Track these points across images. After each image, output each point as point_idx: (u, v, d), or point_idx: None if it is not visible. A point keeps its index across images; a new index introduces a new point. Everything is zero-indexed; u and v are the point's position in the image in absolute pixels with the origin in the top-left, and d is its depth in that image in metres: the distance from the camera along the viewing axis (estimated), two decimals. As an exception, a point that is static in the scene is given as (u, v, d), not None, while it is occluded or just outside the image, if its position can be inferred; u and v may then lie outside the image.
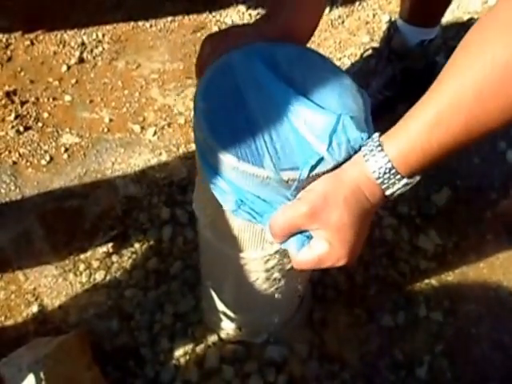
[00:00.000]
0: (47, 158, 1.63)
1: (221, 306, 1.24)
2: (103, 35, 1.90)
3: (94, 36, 1.89)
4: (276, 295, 1.09)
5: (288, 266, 0.98)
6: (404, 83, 1.65)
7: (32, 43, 1.87)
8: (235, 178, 0.76)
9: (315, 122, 0.76)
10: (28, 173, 1.60)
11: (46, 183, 1.58)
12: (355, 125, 0.75)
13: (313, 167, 0.73)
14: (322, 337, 1.38)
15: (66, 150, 1.65)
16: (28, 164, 1.61)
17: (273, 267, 0.97)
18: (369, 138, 0.73)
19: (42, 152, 1.64)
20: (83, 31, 1.90)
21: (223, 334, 1.36)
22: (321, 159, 0.73)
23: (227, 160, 0.74)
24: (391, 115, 1.65)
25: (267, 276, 1.00)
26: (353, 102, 0.80)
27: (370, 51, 1.71)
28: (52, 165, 1.62)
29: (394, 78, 1.64)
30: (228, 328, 1.32)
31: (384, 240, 1.52)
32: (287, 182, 0.73)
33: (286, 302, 1.22)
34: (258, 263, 0.95)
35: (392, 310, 1.43)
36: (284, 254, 0.93)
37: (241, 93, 0.79)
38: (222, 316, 1.27)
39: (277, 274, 1.00)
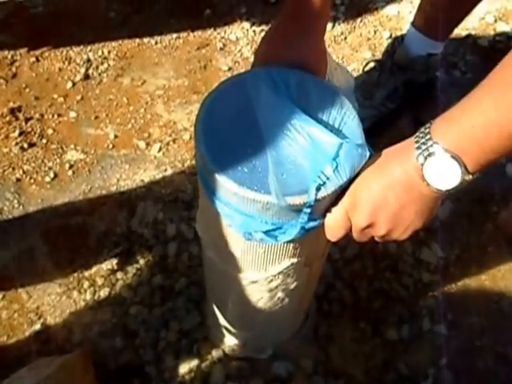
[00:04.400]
0: (51, 174, 1.60)
1: (225, 323, 1.21)
2: (109, 52, 1.88)
3: (100, 53, 1.87)
4: (280, 313, 1.06)
5: (292, 286, 0.95)
6: (406, 96, 1.62)
7: (37, 60, 1.84)
8: (237, 203, 0.72)
9: (321, 144, 0.72)
10: (32, 190, 1.57)
11: (50, 200, 1.56)
12: (359, 147, 0.72)
13: (319, 188, 0.70)
14: (328, 352, 1.35)
15: (71, 166, 1.62)
16: (32, 181, 1.59)
17: (276, 287, 0.94)
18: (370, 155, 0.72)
19: (47, 169, 1.61)
20: (89, 48, 1.88)
21: (228, 351, 1.33)
22: (327, 180, 0.70)
23: (227, 185, 0.71)
24: (394, 127, 1.67)
25: (271, 296, 0.97)
26: (355, 126, 0.77)
27: (372, 64, 1.68)
28: (56, 181, 1.59)
29: (397, 90, 1.61)
30: (233, 344, 1.29)
31: (388, 253, 1.49)
32: (293, 206, 0.70)
33: (291, 318, 1.19)
34: (261, 284, 0.92)
35: (396, 323, 1.40)
36: (287, 274, 0.89)
37: (245, 114, 0.76)
38: (227, 333, 1.24)
39: (280, 294, 0.97)
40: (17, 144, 1.64)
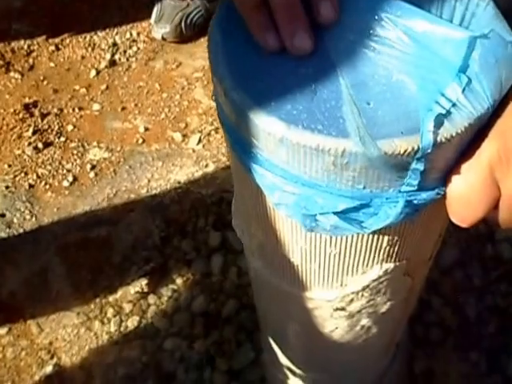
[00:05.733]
0: (70, 178, 1.41)
1: (287, 362, 0.93)
2: (138, 34, 1.70)
3: (128, 35, 1.70)
4: (365, 348, 0.77)
5: (384, 308, 0.63)
6: None
7: (57, 48, 1.68)
8: (289, 162, 0.41)
9: (436, 46, 0.41)
10: (47, 197, 1.38)
11: (67, 209, 1.37)
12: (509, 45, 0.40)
13: (440, 123, 0.38)
14: None
15: (93, 167, 1.43)
16: (47, 187, 1.41)
17: (359, 311, 0.63)
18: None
19: (65, 171, 1.43)
20: (115, 31, 1.71)
21: None
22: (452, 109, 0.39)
23: (269, 126, 0.40)
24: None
25: (351, 324, 0.67)
26: (491, 17, 0.44)
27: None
28: (76, 186, 1.40)
29: None
30: None
31: (499, 259, 1.23)
32: (391, 158, 0.39)
33: (378, 354, 0.88)
34: (335, 307, 0.61)
35: None
36: (377, 289, 0.58)
37: None
38: (290, 374, 0.97)
39: (366, 321, 0.67)
40: (30, 144, 1.47)
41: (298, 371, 0.94)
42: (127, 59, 1.61)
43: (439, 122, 0.38)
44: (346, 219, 0.42)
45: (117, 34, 1.66)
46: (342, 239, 0.49)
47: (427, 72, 0.40)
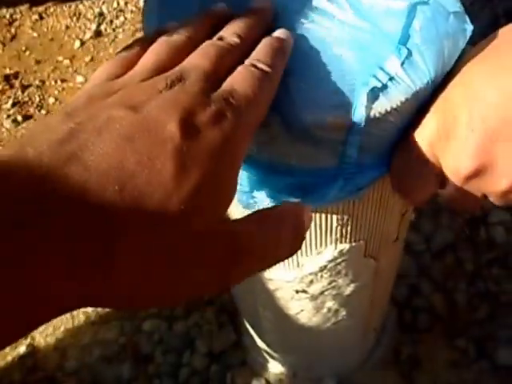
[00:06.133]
0: None
1: (264, 346, 0.92)
2: (126, 3, 1.67)
3: (115, 4, 1.66)
4: (337, 331, 0.76)
5: (348, 290, 0.63)
6: None
7: (41, 17, 1.64)
8: None
9: (374, 15, 0.41)
10: None
11: None
12: (453, 16, 0.41)
13: (375, 97, 0.38)
14: (414, 381, 1.08)
15: None
16: None
17: (322, 293, 0.63)
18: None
19: None
20: (102, 0, 1.65)
21: (274, 381, 1.04)
22: (389, 82, 0.39)
23: None
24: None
25: (316, 306, 0.67)
26: None
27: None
28: None
29: (496, 23, 1.26)
30: (279, 373, 1.01)
31: (493, 242, 1.20)
32: (322, 131, 0.38)
33: (356, 338, 0.88)
34: (295, 288, 0.61)
35: (511, 340, 1.10)
36: (337, 271, 0.58)
37: None
38: (269, 358, 0.98)
39: (331, 304, 0.66)
40: (9, 117, 1.44)
41: (275, 355, 0.94)
42: (113, 30, 1.58)
43: (374, 96, 0.38)
44: (283, 197, 0.42)
45: (103, 3, 1.63)
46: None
47: (367, 45, 0.40)
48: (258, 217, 0.33)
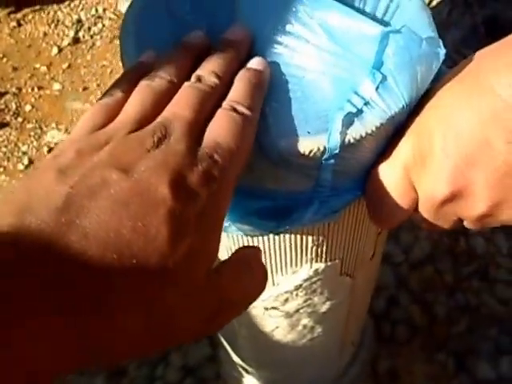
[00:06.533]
0: (25, 161, 1.39)
1: (239, 360, 0.92)
2: (104, 10, 1.67)
3: (93, 11, 1.66)
4: (313, 347, 0.77)
5: (323, 308, 0.63)
6: (488, 38, 1.29)
7: (19, 24, 1.64)
8: None
9: (350, 42, 0.41)
10: (0, 181, 1.37)
11: None
12: (426, 42, 0.41)
13: (350, 122, 0.38)
14: None
15: (50, 149, 1.41)
16: (1, 170, 1.40)
17: (297, 311, 0.63)
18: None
19: (20, 154, 1.41)
20: (81, 7, 1.67)
21: None
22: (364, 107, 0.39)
23: None
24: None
25: (291, 323, 0.68)
26: (417, 10, 0.44)
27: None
28: (31, 169, 1.39)
29: (475, 31, 1.30)
30: None
31: (473, 253, 1.22)
32: (297, 158, 0.39)
33: (332, 353, 0.88)
34: (271, 305, 0.61)
35: (491, 354, 1.11)
36: (312, 290, 0.58)
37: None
38: (244, 372, 0.97)
39: (306, 321, 0.67)
40: None
41: (250, 369, 0.94)
42: (91, 36, 1.58)
43: (349, 121, 0.38)
44: (256, 220, 0.42)
45: (82, 9, 1.63)
46: (264, 238, 0.49)
47: (342, 70, 0.40)
48: (234, 266, 0.35)
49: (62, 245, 0.27)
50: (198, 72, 0.38)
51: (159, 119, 0.34)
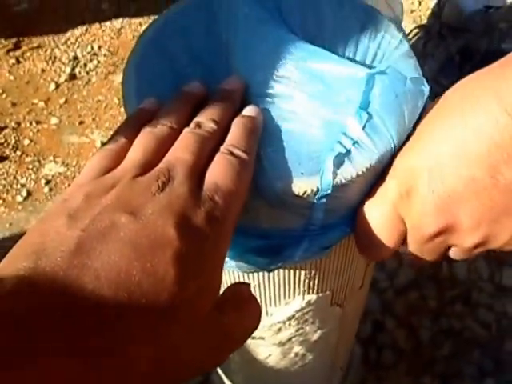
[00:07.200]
0: (24, 193, 1.37)
1: None
2: (99, 47, 1.65)
3: (89, 49, 1.64)
4: (304, 374, 0.76)
5: (315, 337, 0.63)
6: (465, 65, 1.29)
7: (18, 61, 1.62)
8: None
9: (339, 85, 0.42)
10: None
11: (20, 224, 1.33)
12: (411, 82, 0.42)
13: (340, 163, 0.39)
14: None
15: (48, 182, 1.39)
16: (0, 202, 1.35)
17: (289, 339, 0.63)
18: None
19: (19, 186, 1.38)
20: (77, 44, 1.65)
21: None
22: (352, 148, 0.40)
23: None
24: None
25: (284, 351, 0.67)
26: (402, 55, 0.45)
27: (416, 31, 1.36)
28: (29, 201, 1.36)
29: (451, 60, 1.28)
30: None
31: (455, 279, 1.21)
32: (291, 198, 0.39)
33: (321, 379, 0.87)
34: (264, 335, 0.61)
35: (475, 377, 1.10)
36: (304, 319, 0.58)
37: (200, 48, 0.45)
38: None
39: (298, 349, 0.66)
40: None
41: (244, 395, 0.93)
42: (87, 73, 1.57)
43: (339, 161, 0.38)
44: (250, 257, 0.43)
45: (78, 47, 1.62)
46: (258, 273, 0.49)
47: (332, 112, 0.40)
48: (233, 303, 0.36)
49: (76, 286, 0.27)
50: (197, 119, 0.38)
51: (162, 164, 0.35)
